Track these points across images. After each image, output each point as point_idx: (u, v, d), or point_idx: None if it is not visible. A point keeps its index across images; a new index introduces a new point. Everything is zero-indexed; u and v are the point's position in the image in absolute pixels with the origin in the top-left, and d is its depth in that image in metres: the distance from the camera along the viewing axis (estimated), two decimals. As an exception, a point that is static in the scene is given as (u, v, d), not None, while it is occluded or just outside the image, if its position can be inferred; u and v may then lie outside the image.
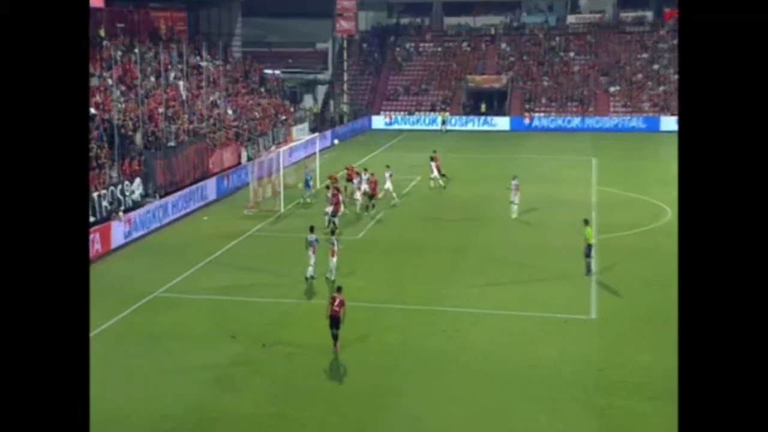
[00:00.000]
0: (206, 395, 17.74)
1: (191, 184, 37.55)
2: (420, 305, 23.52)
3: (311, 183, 37.82)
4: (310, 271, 25.34)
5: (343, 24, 65.61)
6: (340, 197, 32.71)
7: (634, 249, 29.28)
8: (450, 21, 76.60)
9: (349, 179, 36.81)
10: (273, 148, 44.44)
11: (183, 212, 35.05)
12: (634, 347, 20.36)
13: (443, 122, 63.74)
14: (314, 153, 43.14)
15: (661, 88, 65.57)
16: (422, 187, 40.71)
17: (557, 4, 75.69)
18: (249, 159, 43.76)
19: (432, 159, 40.58)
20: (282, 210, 35.43)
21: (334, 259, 25.39)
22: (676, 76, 65.47)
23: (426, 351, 20.09)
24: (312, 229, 26.22)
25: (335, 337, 19.86)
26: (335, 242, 25.77)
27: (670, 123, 61.29)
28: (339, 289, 20.39)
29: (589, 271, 26.07)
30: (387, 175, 37.37)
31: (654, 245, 29.34)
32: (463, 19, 75.90)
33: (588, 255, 26.14)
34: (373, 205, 35.06)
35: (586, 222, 26.97)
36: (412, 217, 34.60)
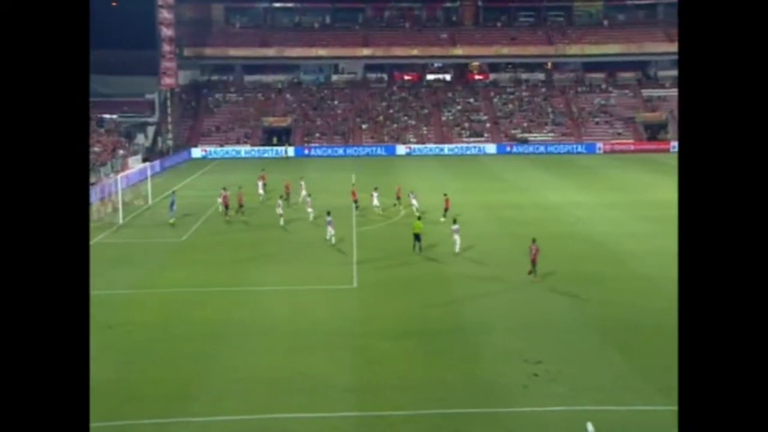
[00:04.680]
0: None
1: (44, 205, 33.93)
2: (232, 287, 22.79)
3: (175, 206, 32.89)
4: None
5: (166, 80, 62.32)
6: None
7: (386, 235, 30.23)
8: (248, 78, 75.03)
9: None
10: (112, 174, 41.31)
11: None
12: (383, 305, 21.01)
13: (286, 152, 62.56)
14: (146, 177, 40.52)
15: (395, 125, 68.23)
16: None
17: (325, 67, 76.58)
18: (91, 184, 40.31)
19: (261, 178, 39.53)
20: (121, 222, 32.99)
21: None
22: (405, 117, 68.84)
23: (235, 321, 19.54)
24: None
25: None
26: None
27: (402, 149, 64.17)
28: (534, 240, 23.20)
29: (420, 250, 26.28)
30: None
31: (395, 233, 30.47)
32: (258, 77, 74.71)
33: (417, 240, 26.42)
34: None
35: (419, 218, 28.09)
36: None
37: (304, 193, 36.09)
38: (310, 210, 32.87)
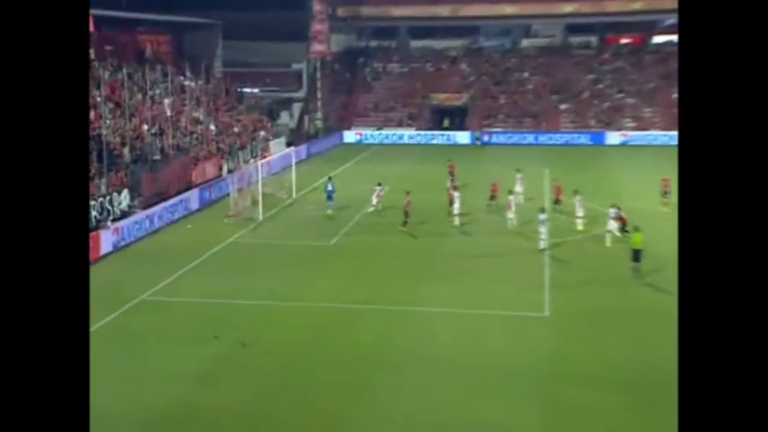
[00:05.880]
0: (188, 391, 17.62)
1: (176, 194, 37.32)
2: (391, 305, 23.40)
3: (334, 195, 35.63)
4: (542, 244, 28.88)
5: (317, 46, 65.76)
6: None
7: (591, 251, 29.49)
8: (415, 44, 77.05)
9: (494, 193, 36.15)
10: (252, 160, 44.25)
11: (168, 221, 34.84)
12: (582, 342, 20.56)
13: (477, 138, 63.49)
14: (290, 165, 42.91)
15: (606, 104, 66.33)
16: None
17: (513, 29, 76.36)
18: (229, 171, 43.53)
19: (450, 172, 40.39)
20: (260, 218, 35.19)
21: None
22: (620, 95, 66.63)
23: (393, 347, 20.08)
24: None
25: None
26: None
27: (614, 138, 62.02)
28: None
29: (639, 272, 25.50)
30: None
31: (604, 248, 29.62)
32: (427, 42, 76.40)
33: (635, 260, 25.56)
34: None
35: (636, 229, 26.60)
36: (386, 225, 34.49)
37: (519, 189, 36.01)
38: (513, 207, 32.65)
